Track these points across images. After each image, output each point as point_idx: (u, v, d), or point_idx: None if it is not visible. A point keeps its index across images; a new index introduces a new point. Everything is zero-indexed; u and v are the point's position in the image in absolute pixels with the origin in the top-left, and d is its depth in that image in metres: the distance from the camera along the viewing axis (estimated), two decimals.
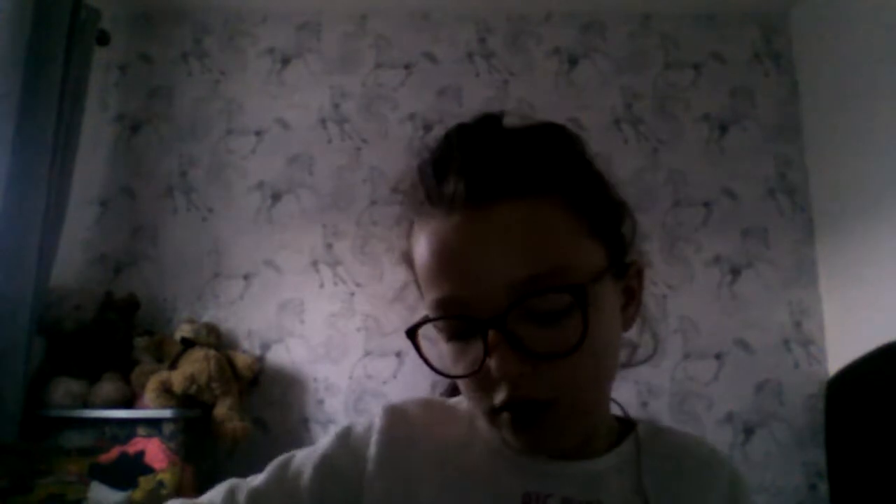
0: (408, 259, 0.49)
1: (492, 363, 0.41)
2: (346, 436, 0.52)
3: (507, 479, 0.49)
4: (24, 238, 1.70)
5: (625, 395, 2.04)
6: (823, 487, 1.99)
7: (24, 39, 1.72)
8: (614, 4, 2.38)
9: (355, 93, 2.35)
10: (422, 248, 0.45)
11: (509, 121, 0.48)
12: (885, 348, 1.77)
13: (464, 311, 0.42)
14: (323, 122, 2.33)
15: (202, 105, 2.34)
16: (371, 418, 0.54)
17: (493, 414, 0.45)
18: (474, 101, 2.33)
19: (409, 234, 0.49)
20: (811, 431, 2.05)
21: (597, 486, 0.48)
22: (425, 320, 0.45)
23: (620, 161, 2.28)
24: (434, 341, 0.47)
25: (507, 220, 0.42)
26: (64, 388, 1.73)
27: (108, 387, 1.78)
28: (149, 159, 2.28)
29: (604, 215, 0.47)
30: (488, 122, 0.48)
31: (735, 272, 2.19)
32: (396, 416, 0.53)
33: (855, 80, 2.02)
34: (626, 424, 0.56)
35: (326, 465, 0.50)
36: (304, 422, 2.05)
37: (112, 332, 1.91)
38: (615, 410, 0.56)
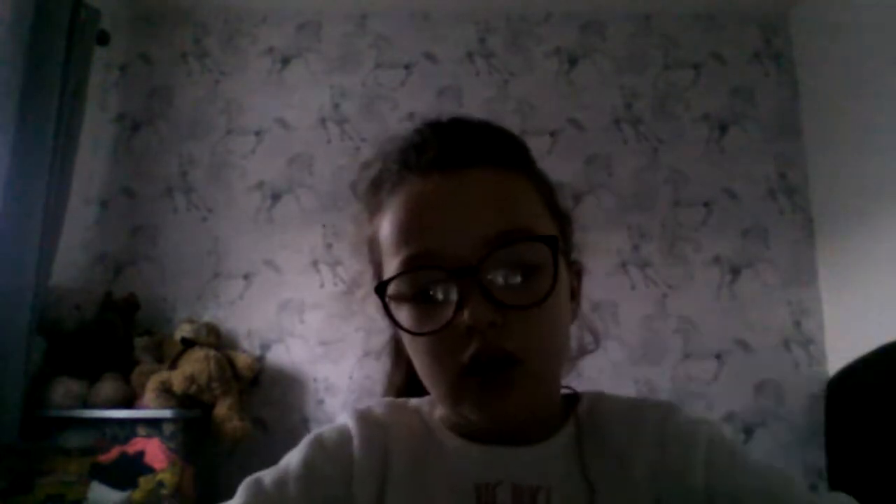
0: (371, 242, 0.51)
1: (465, 312, 0.42)
2: (320, 444, 0.51)
3: (458, 472, 0.49)
4: (24, 238, 1.70)
5: (625, 395, 2.06)
6: (823, 487, 1.99)
7: (24, 39, 1.72)
8: (614, 4, 2.38)
9: (355, 93, 2.35)
10: (395, 214, 0.47)
11: (471, 117, 0.53)
12: (885, 348, 1.77)
13: (440, 264, 0.44)
14: (323, 122, 2.33)
15: (202, 105, 2.34)
16: (339, 424, 0.53)
17: (459, 380, 0.44)
18: (474, 101, 2.33)
19: (373, 218, 0.51)
20: (811, 431, 2.05)
21: (544, 472, 0.48)
22: (400, 273, 0.45)
23: (620, 161, 2.28)
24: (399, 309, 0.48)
25: (481, 182, 0.46)
26: (64, 388, 1.73)
27: (108, 387, 1.78)
28: (149, 159, 2.28)
29: (556, 204, 0.53)
30: (453, 118, 0.53)
31: (735, 272, 2.19)
32: (368, 419, 0.53)
33: (855, 80, 2.02)
34: (571, 401, 0.55)
35: (312, 474, 0.49)
36: (304, 422, 2.05)
37: (112, 332, 1.91)
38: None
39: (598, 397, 0.55)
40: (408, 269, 0.45)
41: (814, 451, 2.03)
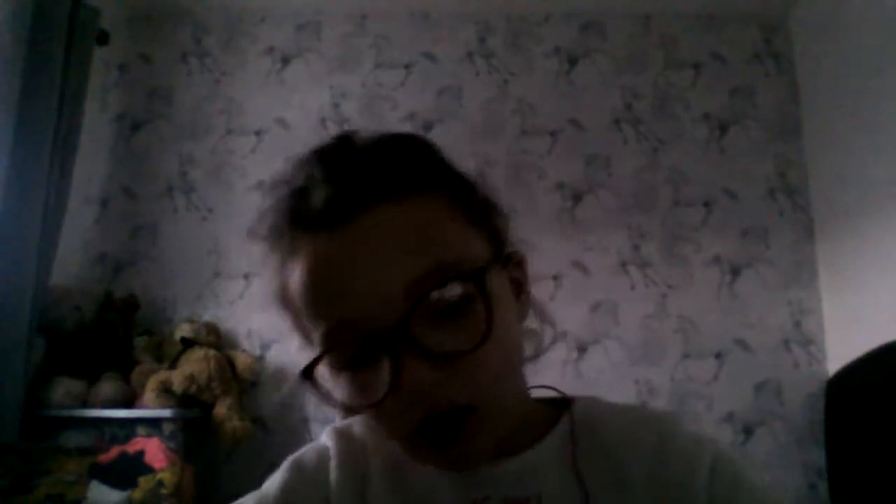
0: (284, 298, 0.45)
1: (403, 378, 0.38)
2: (298, 467, 0.50)
3: (445, 492, 0.46)
4: (24, 238, 1.70)
5: (625, 395, 2.06)
6: (823, 487, 1.99)
7: (24, 39, 1.72)
8: (614, 4, 2.38)
9: (355, 93, 2.35)
10: (297, 280, 0.42)
11: (363, 136, 0.46)
12: (885, 348, 1.77)
13: (360, 333, 0.39)
14: (323, 122, 2.32)
15: (202, 105, 2.34)
16: (318, 444, 0.52)
17: (413, 441, 0.42)
18: (474, 101, 2.33)
19: (280, 272, 0.44)
20: (811, 431, 2.05)
21: (534, 480, 0.46)
22: (323, 353, 0.41)
23: (620, 161, 2.28)
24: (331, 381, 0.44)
25: (382, 226, 0.40)
26: (64, 388, 1.73)
27: (108, 387, 1.78)
28: (149, 159, 2.28)
29: (479, 208, 0.47)
30: (342, 139, 0.46)
31: (735, 272, 2.19)
32: (346, 438, 0.51)
33: (855, 80, 2.02)
34: (561, 405, 0.53)
35: (290, 499, 0.48)
36: (304, 422, 2.05)
37: (112, 332, 1.91)
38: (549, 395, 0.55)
39: (593, 402, 0.53)
40: (327, 347, 0.41)
41: (814, 450, 2.03)
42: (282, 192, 0.45)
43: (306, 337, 0.45)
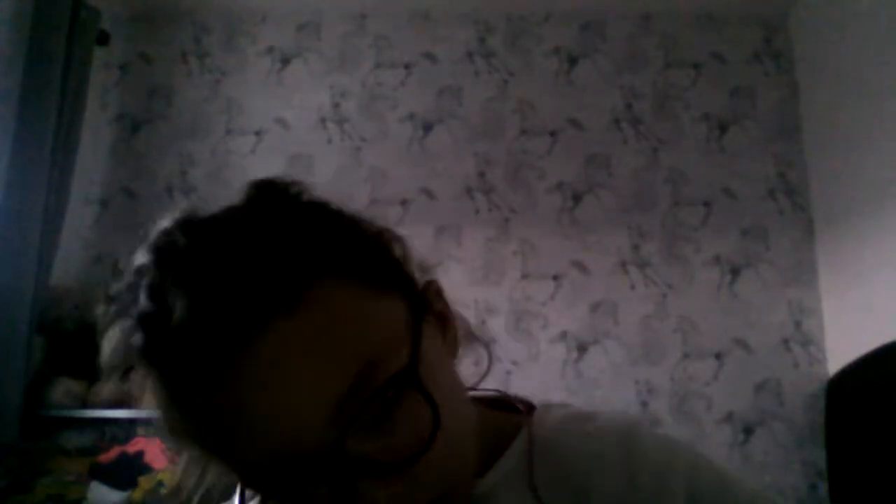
0: (181, 433, 0.35)
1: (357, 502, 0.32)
2: None
3: None
4: (24, 238, 1.70)
5: (625, 395, 2.06)
6: (823, 487, 1.99)
7: (24, 39, 1.72)
8: (614, 4, 2.38)
9: (355, 93, 2.35)
10: (197, 424, 0.33)
11: (209, 224, 0.36)
12: (885, 348, 1.77)
13: (289, 466, 0.32)
14: (323, 121, 2.33)
15: (202, 105, 2.34)
16: None
17: None
18: (474, 100, 2.33)
19: (168, 407, 0.34)
20: (811, 431, 2.05)
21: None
22: (245, 490, 0.35)
23: (620, 161, 2.28)
24: None
25: (286, 344, 0.31)
26: (64, 388, 1.73)
27: (108, 387, 1.78)
28: (149, 159, 2.28)
29: (374, 259, 0.39)
30: (188, 235, 0.34)
31: (735, 272, 2.19)
32: None
33: (855, 80, 2.02)
34: (511, 409, 0.49)
35: None
36: None
37: None
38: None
39: (549, 413, 0.49)
40: (259, 487, 0.35)
41: (814, 450, 2.03)
42: (130, 315, 0.34)
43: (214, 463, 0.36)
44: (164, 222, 0.36)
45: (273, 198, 0.39)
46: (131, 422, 1.70)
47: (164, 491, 1.62)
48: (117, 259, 2.12)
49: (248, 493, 0.37)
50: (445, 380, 0.39)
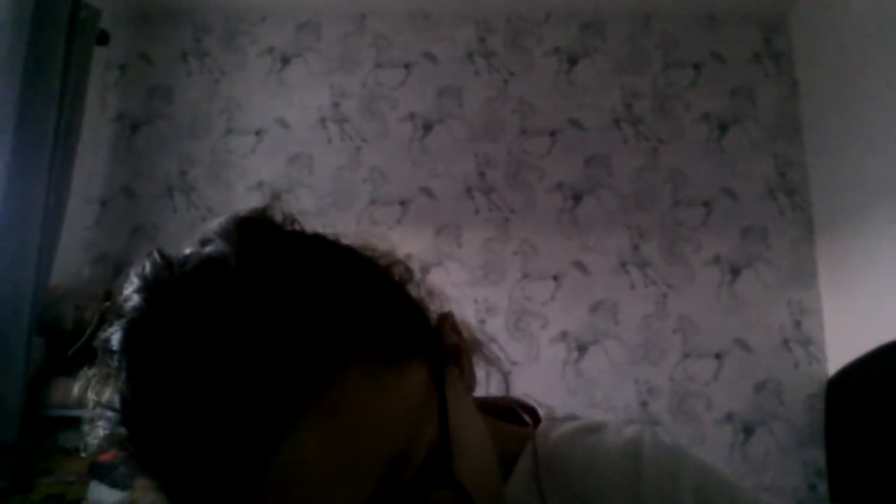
0: None
1: None
2: None
3: None
4: (24, 238, 1.69)
5: (625, 395, 2.06)
6: (823, 487, 1.99)
7: (24, 39, 1.72)
8: (614, 4, 2.38)
9: (355, 92, 2.35)
10: None
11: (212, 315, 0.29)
12: (885, 348, 1.77)
13: None
14: (323, 121, 2.33)
15: (202, 105, 2.34)
16: None
17: None
18: (474, 100, 2.33)
19: None
20: (811, 431, 2.05)
21: None
22: None
23: (620, 161, 2.28)
24: None
25: (315, 447, 0.28)
26: (64, 388, 1.73)
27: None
28: (149, 159, 2.28)
29: (395, 324, 0.35)
30: (198, 333, 0.29)
31: (735, 272, 2.19)
32: None
33: (855, 79, 2.02)
34: (518, 420, 0.49)
35: None
36: None
37: None
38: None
39: (552, 427, 0.47)
40: None
41: (813, 450, 2.03)
42: (114, 410, 0.30)
43: None
44: (130, 295, 0.31)
45: (270, 254, 0.32)
46: None
47: None
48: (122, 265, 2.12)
49: None
50: (470, 429, 0.36)
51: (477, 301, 2.14)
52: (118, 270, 2.18)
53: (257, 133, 2.32)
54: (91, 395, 0.32)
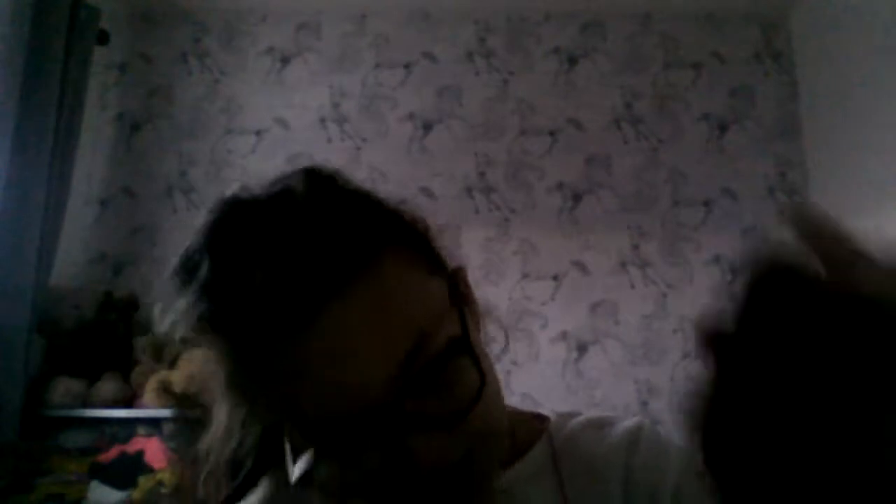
0: (239, 385, 0.39)
1: (418, 457, 0.35)
2: (281, 483, 0.46)
3: None
4: (24, 238, 1.70)
5: (625, 394, 2.06)
6: None
7: (24, 39, 1.72)
8: (614, 4, 2.38)
9: (355, 92, 2.35)
10: (260, 375, 0.36)
11: (289, 203, 0.38)
12: None
13: (350, 422, 0.35)
14: (323, 121, 2.33)
15: (202, 105, 2.34)
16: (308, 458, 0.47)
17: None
18: (474, 100, 2.33)
19: (230, 362, 0.38)
20: None
21: (523, 495, 0.46)
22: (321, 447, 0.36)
23: (620, 161, 2.28)
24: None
25: (359, 308, 0.35)
26: (64, 388, 1.73)
27: (108, 386, 1.78)
28: (149, 159, 2.28)
29: (425, 245, 0.42)
30: (249, 212, 0.37)
31: (735, 272, 2.19)
32: None
33: (855, 80, 2.02)
34: (537, 418, 0.52)
35: None
36: None
37: (112, 332, 1.91)
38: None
39: (565, 418, 0.52)
40: (318, 440, 0.36)
41: None
42: (218, 283, 0.35)
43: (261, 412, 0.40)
44: (220, 205, 0.38)
45: (329, 179, 0.41)
46: (131, 422, 1.70)
47: (164, 490, 1.62)
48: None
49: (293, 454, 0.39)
50: (486, 359, 0.42)
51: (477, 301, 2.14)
52: (118, 270, 2.18)
53: (257, 133, 2.32)
54: (172, 280, 0.38)
